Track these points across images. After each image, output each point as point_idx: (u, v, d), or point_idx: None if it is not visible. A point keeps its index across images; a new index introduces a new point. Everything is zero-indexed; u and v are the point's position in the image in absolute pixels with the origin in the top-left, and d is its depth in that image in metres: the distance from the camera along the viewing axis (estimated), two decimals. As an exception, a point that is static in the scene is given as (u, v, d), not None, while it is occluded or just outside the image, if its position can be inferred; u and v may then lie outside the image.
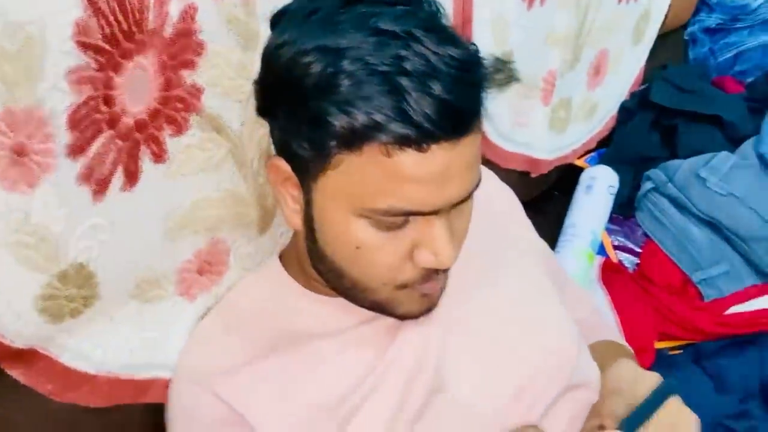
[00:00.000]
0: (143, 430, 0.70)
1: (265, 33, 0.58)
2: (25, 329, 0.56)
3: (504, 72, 0.57)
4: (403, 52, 0.49)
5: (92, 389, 0.63)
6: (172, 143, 0.59)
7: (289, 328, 0.65)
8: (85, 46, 0.50)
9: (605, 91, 1.18)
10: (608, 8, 1.07)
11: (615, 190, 1.14)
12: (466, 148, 0.53)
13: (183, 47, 0.56)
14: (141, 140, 0.57)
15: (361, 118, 0.49)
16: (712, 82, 1.33)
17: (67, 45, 0.49)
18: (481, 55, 0.54)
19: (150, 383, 0.67)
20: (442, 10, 0.55)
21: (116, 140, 0.55)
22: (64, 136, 0.52)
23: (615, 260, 1.12)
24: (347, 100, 0.49)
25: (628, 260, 1.14)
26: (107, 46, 0.51)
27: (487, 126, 0.98)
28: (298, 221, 0.59)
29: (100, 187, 0.55)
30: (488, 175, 0.84)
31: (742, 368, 1.02)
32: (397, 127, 0.49)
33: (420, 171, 0.51)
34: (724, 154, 1.11)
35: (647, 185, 1.15)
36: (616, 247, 1.15)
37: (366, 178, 0.52)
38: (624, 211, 1.18)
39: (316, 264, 0.61)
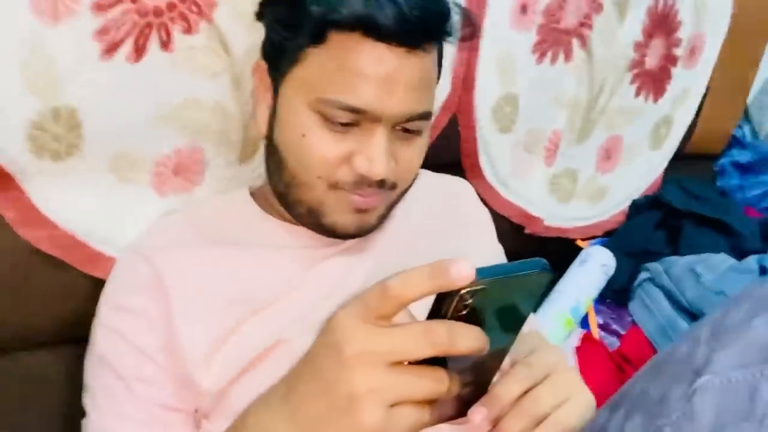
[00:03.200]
0: (84, 302, 0.74)
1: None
2: (10, 147, 0.65)
3: (465, 21, 0.65)
4: None
5: (50, 237, 0.70)
6: (179, 39, 0.70)
7: (237, 235, 0.70)
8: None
9: (616, 180, 1.23)
10: (625, 95, 1.15)
11: (609, 270, 1.15)
12: (414, 66, 0.60)
13: (209, -39, 0.69)
14: (154, 24, 0.68)
15: (333, 5, 0.58)
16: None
17: None
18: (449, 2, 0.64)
19: (100, 257, 0.73)
20: None
21: (134, 14, 0.66)
22: (92, -9, 0.64)
23: (597, 336, 1.10)
24: None
25: (611, 342, 1.11)
26: (147, -65, 0.65)
27: (486, 167, 1.05)
28: (265, 124, 0.67)
29: (110, 48, 0.66)
30: (468, 189, 0.90)
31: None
32: (361, 16, 0.57)
33: (368, 68, 0.59)
34: (723, 255, 1.11)
35: (643, 275, 1.15)
36: (602, 327, 1.13)
37: (324, 70, 0.60)
38: (618, 298, 1.18)
39: (268, 164, 0.68)
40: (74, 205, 0.71)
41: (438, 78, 0.67)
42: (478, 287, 0.40)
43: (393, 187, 0.66)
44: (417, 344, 0.39)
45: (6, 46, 0.61)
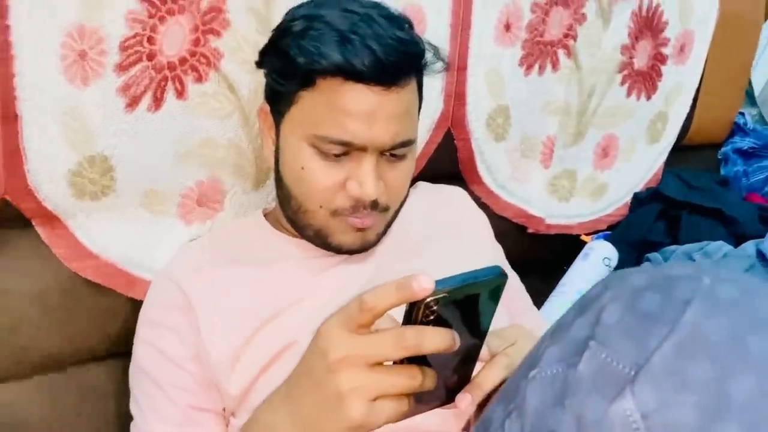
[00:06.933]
0: (126, 320, 0.85)
1: (275, 21, 0.79)
2: (54, 194, 0.76)
3: (437, 58, 0.74)
4: (360, 23, 0.67)
5: (94, 267, 0.81)
6: (192, 88, 0.80)
7: (253, 253, 0.80)
8: (142, -3, 0.74)
9: (616, 176, 1.29)
10: (615, 97, 1.21)
11: (611, 263, 1.21)
12: (393, 100, 0.69)
13: (212, 19, 0.79)
14: (169, 77, 0.78)
15: (315, 57, 0.67)
16: (742, 197, 1.39)
17: (130, -8, 0.73)
18: (422, 42, 0.72)
19: (138, 281, 0.84)
20: (407, 20, 0.74)
21: (151, 71, 0.77)
22: (114, 55, 0.74)
23: (601, 326, 1.16)
24: (309, 44, 0.68)
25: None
26: (158, 2, 0.75)
27: (484, 174, 1.13)
28: (272, 159, 0.77)
29: (132, 102, 0.77)
30: (463, 195, 0.97)
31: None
32: (340, 64, 0.66)
33: (354, 106, 0.68)
34: (720, 242, 1.16)
35: (645, 265, 1.21)
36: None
37: (316, 109, 0.70)
38: (623, 288, 1.23)
39: (278, 192, 0.78)
40: (112, 238, 0.82)
41: (420, 104, 0.76)
42: (440, 295, 0.47)
43: (386, 208, 0.75)
44: (390, 347, 0.47)
45: (47, 109, 0.72)
